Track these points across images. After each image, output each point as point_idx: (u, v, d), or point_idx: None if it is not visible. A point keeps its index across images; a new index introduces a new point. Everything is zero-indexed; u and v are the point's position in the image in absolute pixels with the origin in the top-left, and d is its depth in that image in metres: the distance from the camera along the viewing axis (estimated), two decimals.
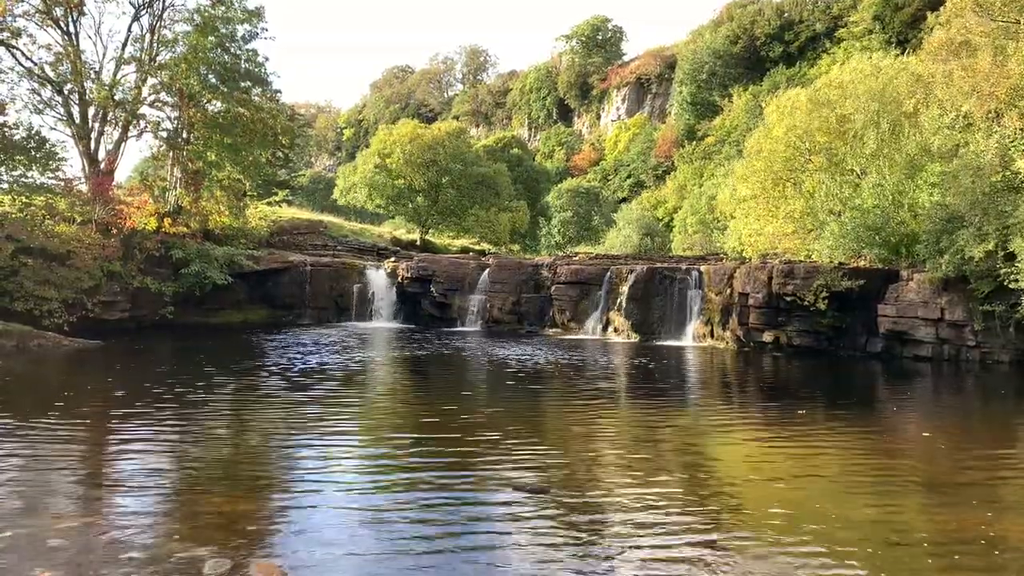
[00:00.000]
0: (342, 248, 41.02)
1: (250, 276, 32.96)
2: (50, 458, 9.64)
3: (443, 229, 53.87)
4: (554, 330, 31.28)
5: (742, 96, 69.86)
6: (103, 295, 26.71)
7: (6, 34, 28.72)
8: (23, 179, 26.32)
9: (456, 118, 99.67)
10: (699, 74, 78.25)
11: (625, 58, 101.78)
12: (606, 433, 12.57)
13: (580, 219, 69.75)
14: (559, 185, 76.20)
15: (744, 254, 34.83)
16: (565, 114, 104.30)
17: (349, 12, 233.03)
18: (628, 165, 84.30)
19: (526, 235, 65.17)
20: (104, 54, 36.54)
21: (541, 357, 22.71)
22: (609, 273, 30.82)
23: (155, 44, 32.20)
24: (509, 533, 7.24)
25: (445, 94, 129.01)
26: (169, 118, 33.15)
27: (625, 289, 29.65)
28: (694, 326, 28.53)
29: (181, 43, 32.04)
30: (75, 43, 30.32)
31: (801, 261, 27.18)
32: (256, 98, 34.33)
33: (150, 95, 32.40)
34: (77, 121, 30.73)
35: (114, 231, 27.85)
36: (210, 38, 32.04)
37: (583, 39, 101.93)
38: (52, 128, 31.46)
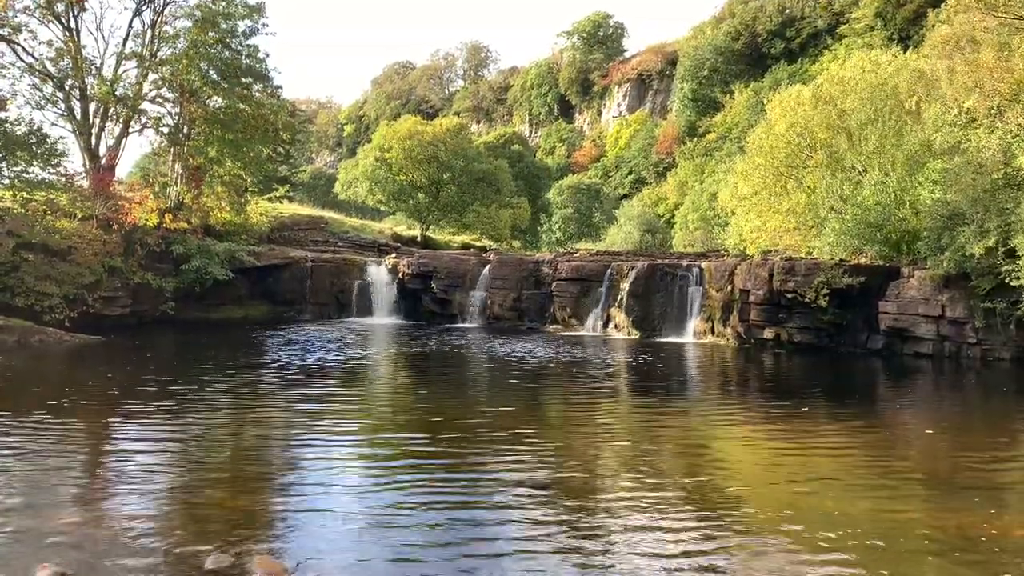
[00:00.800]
0: (343, 244, 41.00)
1: (251, 272, 32.96)
2: (51, 453, 9.65)
3: (444, 225, 53.85)
4: (555, 327, 31.26)
5: (743, 93, 69.83)
6: (104, 291, 26.71)
7: (7, 29, 28.72)
8: (24, 175, 26.33)
9: (457, 114, 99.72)
10: (700, 70, 78.19)
11: (626, 54, 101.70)
12: (607, 430, 12.57)
13: (581, 216, 69.75)
14: (560, 182, 76.17)
15: (745, 251, 34.82)
16: (566, 110, 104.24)
17: (350, 8, 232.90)
18: (629, 162, 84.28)
19: (527, 232, 65.15)
20: (105, 50, 36.45)
21: (542, 354, 22.71)
22: (610, 270, 30.79)
23: (156, 40, 32.17)
24: (510, 529, 7.25)
25: (446, 90, 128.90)
26: (170, 114, 33.17)
27: (626, 286, 29.62)
28: (695, 323, 28.51)
29: (182, 39, 32.03)
30: (76, 39, 30.31)
31: (802, 258, 27.15)
32: (257, 94, 34.31)
33: (151, 91, 32.40)
34: (78, 117, 30.72)
35: (115, 227, 27.85)
36: (211, 34, 32.02)
37: (584, 35, 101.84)
38: (53, 124, 31.64)
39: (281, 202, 46.23)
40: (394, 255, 37.24)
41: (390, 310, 34.86)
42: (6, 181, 25.99)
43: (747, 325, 26.01)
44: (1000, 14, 24.05)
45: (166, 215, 31.18)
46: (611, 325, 30.02)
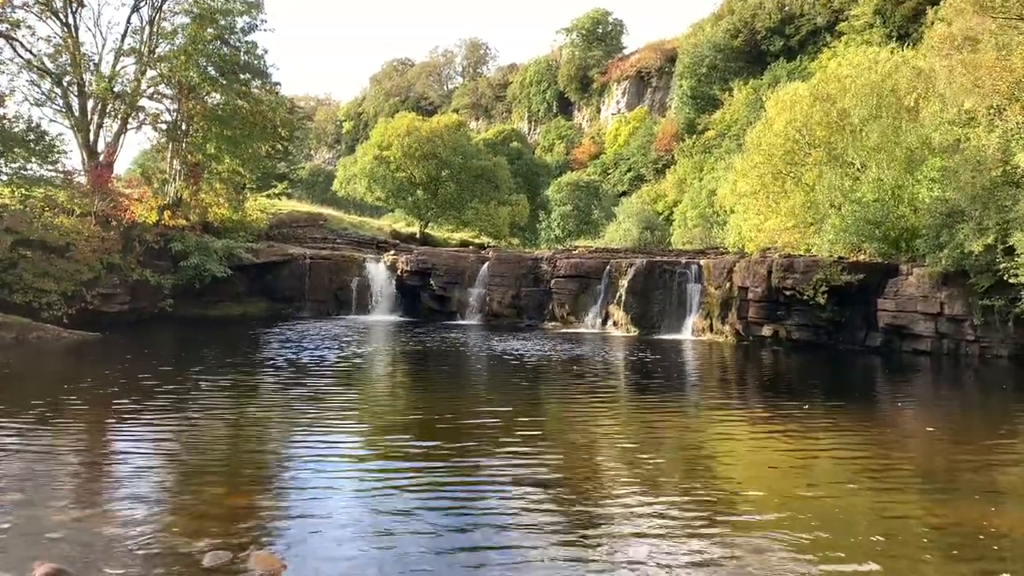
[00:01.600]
0: (341, 241, 40.98)
1: (249, 269, 32.94)
2: (48, 450, 9.64)
3: (443, 222, 53.83)
4: (553, 324, 31.27)
5: (742, 90, 69.75)
6: (102, 287, 26.68)
7: (5, 25, 28.64)
8: (23, 171, 26.27)
9: (456, 111, 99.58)
10: (699, 68, 78.13)
11: (626, 51, 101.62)
12: (606, 428, 12.57)
13: (580, 213, 69.73)
14: (559, 179, 76.15)
15: (744, 248, 34.83)
16: (565, 107, 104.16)
17: (349, 5, 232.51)
18: (628, 159, 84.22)
19: (526, 229, 65.13)
20: (103, 46, 36.60)
21: (541, 351, 22.71)
22: (609, 267, 30.79)
23: (154, 36, 32.12)
24: (507, 528, 7.24)
25: (445, 87, 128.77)
26: (168, 110, 33.14)
27: (624, 283, 29.63)
28: (693, 320, 28.52)
29: (180, 35, 31.96)
30: (74, 35, 30.24)
31: (801, 255, 27.16)
32: (255, 90, 34.27)
33: (149, 87, 32.37)
34: (76, 113, 30.68)
35: (113, 223, 27.82)
36: (209, 30, 31.97)
37: (583, 32, 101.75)
38: (51, 120, 31.59)
39: (280, 199, 46.25)
40: (393, 252, 37.22)
41: (389, 307, 34.86)
42: (4, 178, 25.94)
43: (745, 322, 26.02)
44: (998, 15, 24.02)
45: (165, 212, 31.17)
46: (610, 322, 30.03)
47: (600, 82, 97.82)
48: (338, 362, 19.11)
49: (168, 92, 32.58)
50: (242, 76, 33.47)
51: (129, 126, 32.19)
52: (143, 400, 13.16)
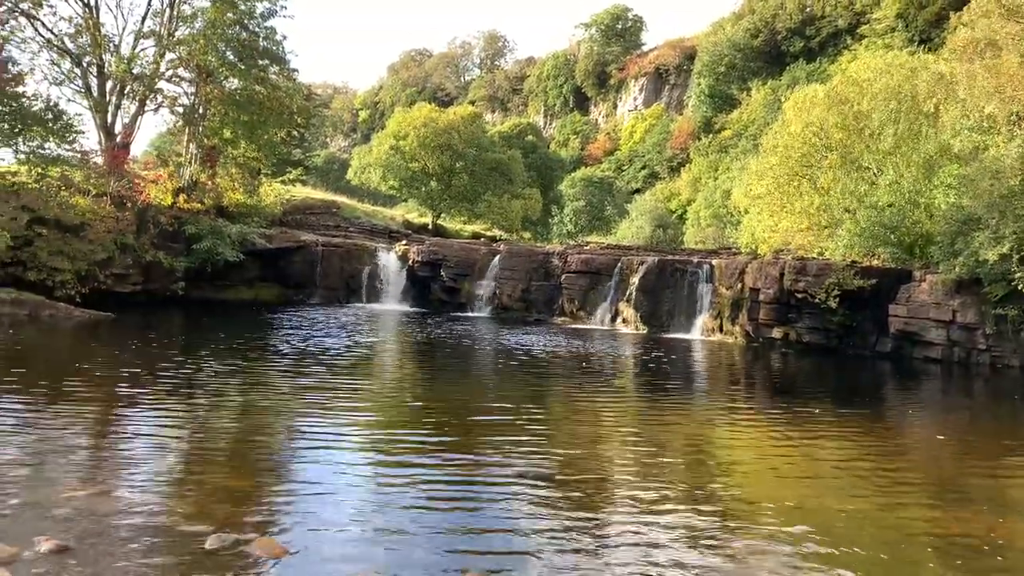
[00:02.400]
0: (354, 229, 41.05)
1: (262, 254, 33.04)
2: (57, 429, 9.70)
3: (455, 214, 53.86)
4: (563, 319, 31.24)
5: (761, 90, 69.45)
6: (116, 268, 26.85)
7: (28, 4, 28.77)
8: (40, 150, 26.37)
9: (472, 103, 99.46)
10: (718, 66, 77.80)
11: (644, 48, 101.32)
12: (612, 425, 12.55)
13: (593, 208, 69.66)
14: (573, 174, 76.07)
15: (757, 249, 34.69)
16: (581, 102, 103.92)
17: None
18: (643, 156, 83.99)
19: (538, 223, 65.12)
20: (124, 27, 36.63)
21: (549, 346, 22.70)
22: (620, 264, 30.73)
23: (174, 19, 32.21)
24: (510, 519, 7.25)
25: (462, 78, 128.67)
26: (186, 93, 33.24)
27: (635, 280, 29.57)
28: (703, 319, 28.45)
29: (200, 18, 32.02)
30: (95, 15, 30.40)
31: (814, 258, 27.02)
32: (273, 76, 34.34)
33: (168, 70, 32.47)
34: (95, 94, 30.82)
35: (128, 204, 27.97)
36: (228, 14, 32.01)
37: (602, 27, 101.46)
38: (70, 100, 31.72)
39: (294, 185, 46.34)
40: (404, 242, 37.26)
41: (399, 297, 34.92)
42: (22, 156, 26.10)
43: (756, 324, 25.93)
44: (1022, 21, 23.79)
45: (180, 195, 31.29)
46: (619, 319, 29.98)
47: (618, 78, 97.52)
48: (347, 350, 19.16)
49: (186, 75, 32.70)
50: (260, 62, 33.53)
51: (147, 108, 32.35)
52: (152, 382, 13.23)
